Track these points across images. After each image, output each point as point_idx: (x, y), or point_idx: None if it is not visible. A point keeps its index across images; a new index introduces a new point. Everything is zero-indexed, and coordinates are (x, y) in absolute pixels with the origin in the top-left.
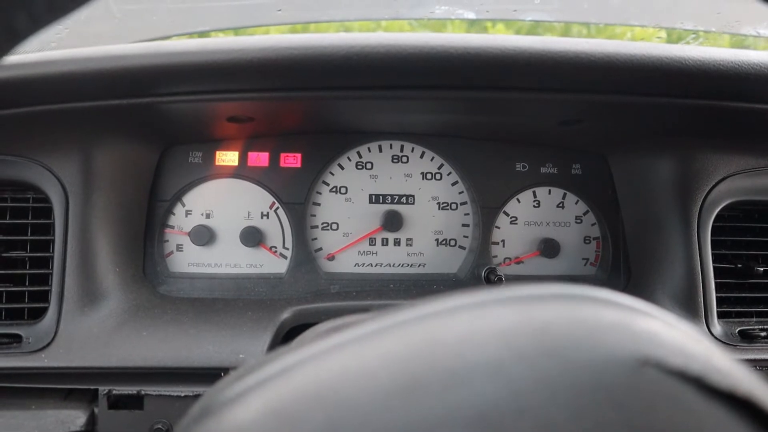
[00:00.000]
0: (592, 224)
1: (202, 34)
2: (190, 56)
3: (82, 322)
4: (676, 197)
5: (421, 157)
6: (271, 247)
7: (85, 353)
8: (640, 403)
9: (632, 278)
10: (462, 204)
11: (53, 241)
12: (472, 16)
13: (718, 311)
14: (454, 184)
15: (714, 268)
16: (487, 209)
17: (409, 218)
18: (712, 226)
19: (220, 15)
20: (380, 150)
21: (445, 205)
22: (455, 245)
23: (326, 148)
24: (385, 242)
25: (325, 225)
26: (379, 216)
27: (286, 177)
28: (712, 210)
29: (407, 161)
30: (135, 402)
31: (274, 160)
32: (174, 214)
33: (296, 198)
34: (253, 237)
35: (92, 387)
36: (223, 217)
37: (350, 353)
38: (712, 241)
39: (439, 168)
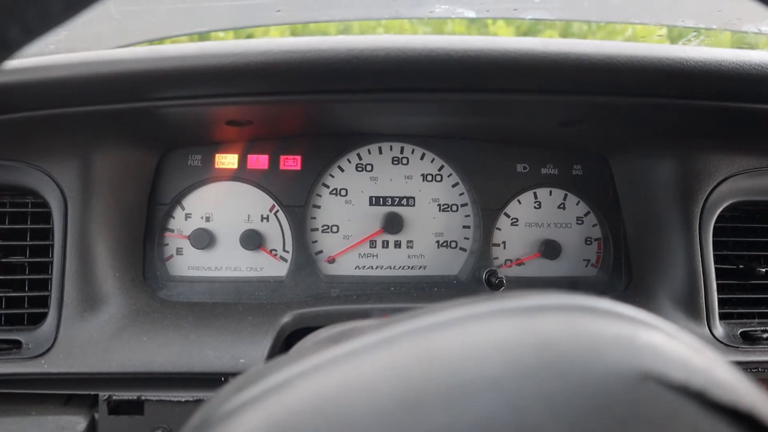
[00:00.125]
0: (593, 225)
1: (202, 35)
2: (189, 60)
3: (82, 327)
4: (678, 198)
5: (422, 158)
6: (271, 250)
7: (85, 359)
8: (642, 419)
9: (633, 279)
10: (462, 205)
11: (52, 246)
12: (472, 14)
13: (719, 313)
14: (454, 185)
15: (716, 269)
16: (488, 211)
17: (409, 220)
18: (714, 227)
19: (220, 15)
20: (380, 152)
21: (445, 206)
22: (456, 247)
23: (326, 151)
24: (385, 244)
25: (325, 227)
26: (379, 218)
27: (285, 179)
28: (713, 211)
29: (407, 163)
30: (135, 407)
31: (274, 162)
32: (174, 218)
33: (296, 201)
34: (253, 240)
35: (92, 392)
36: (222, 221)
37: (349, 368)
38: (713, 241)
39: (439, 169)
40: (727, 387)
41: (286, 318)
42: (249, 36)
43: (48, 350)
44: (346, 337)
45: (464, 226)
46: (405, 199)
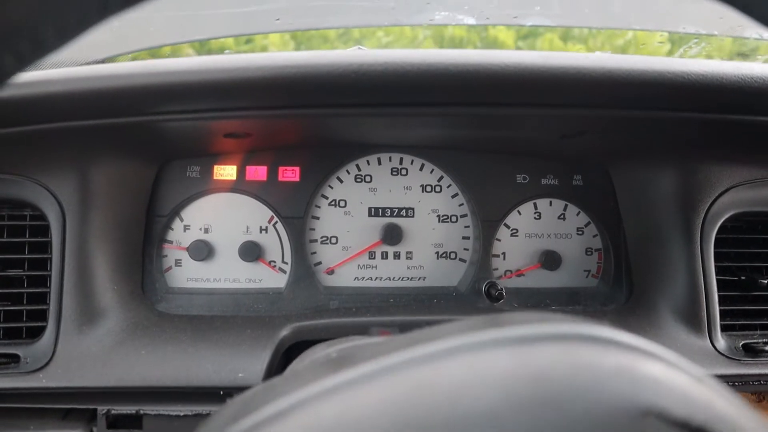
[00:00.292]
0: (594, 236)
1: (202, 43)
2: (189, 76)
3: (81, 341)
4: (679, 209)
5: (421, 169)
6: (270, 262)
7: (83, 373)
8: None
9: (634, 290)
10: (462, 216)
11: (50, 259)
12: (472, 21)
13: (721, 324)
14: (454, 196)
15: (717, 280)
16: (488, 221)
17: (408, 231)
18: (715, 238)
19: (219, 23)
20: (379, 163)
21: (445, 217)
22: (455, 258)
23: (325, 162)
24: (384, 255)
25: (324, 239)
26: (378, 229)
27: (284, 191)
28: (715, 222)
29: (407, 174)
30: (134, 421)
31: (273, 173)
32: (172, 229)
33: (295, 212)
34: (251, 251)
35: (91, 407)
36: (221, 232)
37: (346, 399)
38: (715, 253)
39: (438, 180)
40: (728, 421)
41: (285, 331)
42: (248, 42)
43: (46, 364)
44: (344, 361)
45: (464, 237)
46: (404, 210)
